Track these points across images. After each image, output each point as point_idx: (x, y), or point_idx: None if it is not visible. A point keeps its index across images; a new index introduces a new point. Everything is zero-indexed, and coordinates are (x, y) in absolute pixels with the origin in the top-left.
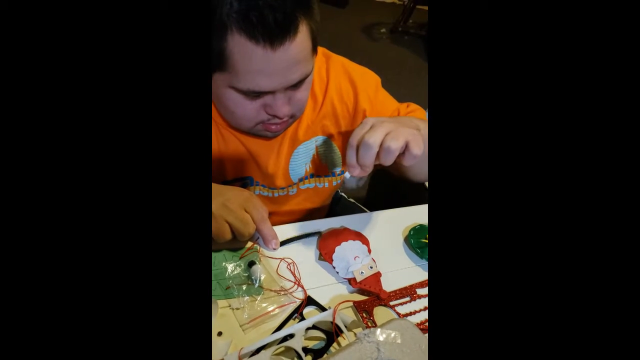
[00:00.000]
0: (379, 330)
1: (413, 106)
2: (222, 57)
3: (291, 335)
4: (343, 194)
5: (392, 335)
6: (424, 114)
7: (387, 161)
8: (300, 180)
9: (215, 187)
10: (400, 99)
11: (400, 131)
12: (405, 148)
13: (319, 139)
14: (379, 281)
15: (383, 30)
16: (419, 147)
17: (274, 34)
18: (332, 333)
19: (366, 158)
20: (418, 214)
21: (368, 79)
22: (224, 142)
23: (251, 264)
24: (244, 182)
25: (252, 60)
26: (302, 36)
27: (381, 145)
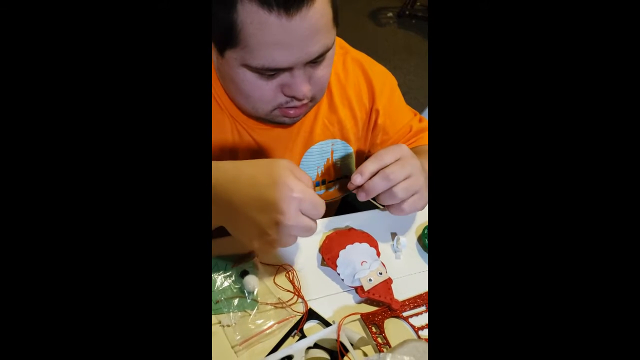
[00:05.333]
0: (389, 357)
1: (425, 122)
2: (233, 30)
3: (289, 357)
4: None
5: None
6: None
7: (385, 201)
8: None
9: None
10: (408, 85)
11: (415, 182)
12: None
13: (337, 142)
14: (389, 289)
15: (390, 14)
16: (417, 207)
17: None
18: (336, 352)
19: (376, 188)
20: None
21: (385, 80)
22: (239, 137)
23: (244, 273)
24: None
25: (266, 31)
26: (322, 1)
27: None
